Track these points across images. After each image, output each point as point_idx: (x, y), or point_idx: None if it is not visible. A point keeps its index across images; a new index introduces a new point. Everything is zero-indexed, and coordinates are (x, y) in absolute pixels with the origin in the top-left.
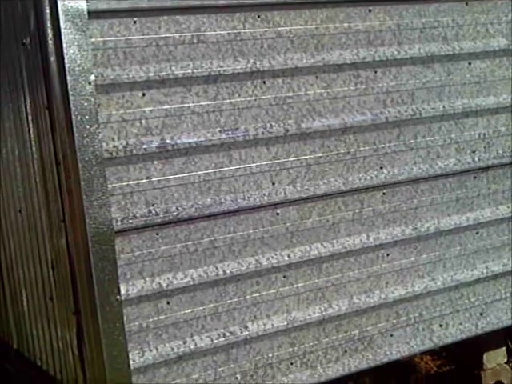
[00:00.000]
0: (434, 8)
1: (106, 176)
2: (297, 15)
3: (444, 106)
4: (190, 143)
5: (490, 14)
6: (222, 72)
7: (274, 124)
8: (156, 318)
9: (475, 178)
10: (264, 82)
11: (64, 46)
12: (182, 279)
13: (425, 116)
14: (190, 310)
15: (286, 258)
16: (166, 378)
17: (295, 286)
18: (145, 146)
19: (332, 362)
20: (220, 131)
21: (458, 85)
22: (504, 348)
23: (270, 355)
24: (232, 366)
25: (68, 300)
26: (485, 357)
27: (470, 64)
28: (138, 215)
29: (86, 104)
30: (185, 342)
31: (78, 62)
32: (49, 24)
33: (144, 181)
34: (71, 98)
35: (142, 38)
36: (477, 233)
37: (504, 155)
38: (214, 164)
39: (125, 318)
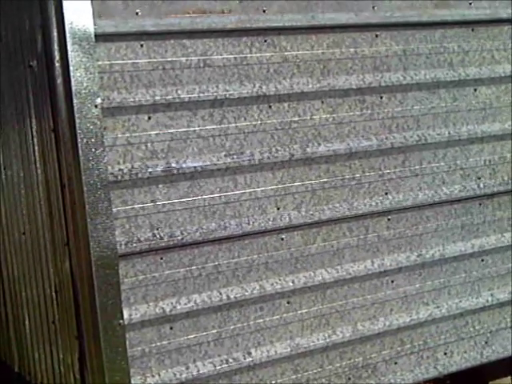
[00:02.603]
0: (440, 34)
1: (110, 199)
2: (303, 40)
3: (449, 132)
4: (195, 167)
5: (496, 40)
6: (227, 96)
7: (279, 148)
8: (159, 344)
9: (480, 204)
10: (270, 107)
11: (71, 68)
12: (185, 304)
13: (430, 142)
14: (193, 336)
15: (291, 284)
16: None
17: (299, 312)
18: (150, 170)
19: None
20: (225, 155)
21: (463, 111)
22: (509, 377)
23: (274, 382)
24: None
25: (71, 324)
26: None
27: (475, 90)
28: (142, 239)
29: (91, 127)
30: (187, 368)
31: (85, 84)
32: (56, 47)
33: (149, 204)
34: (77, 120)
35: (149, 61)
36: (482, 260)
37: (509, 182)
38: (219, 188)
39: (127, 342)
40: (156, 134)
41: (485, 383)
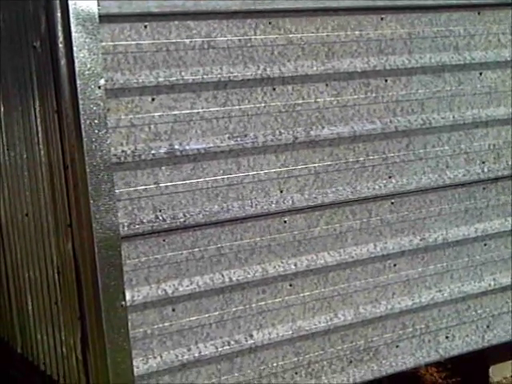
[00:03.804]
0: (445, 17)
1: (113, 181)
2: (308, 22)
3: (454, 116)
4: (198, 149)
5: (502, 23)
6: (231, 78)
7: (282, 131)
8: (161, 325)
9: (484, 188)
10: (274, 89)
11: (74, 49)
12: (187, 286)
13: (435, 126)
14: (194, 318)
15: (293, 267)
16: None
17: (301, 294)
18: (153, 152)
19: (337, 373)
20: (229, 137)
21: (468, 95)
22: (510, 361)
23: (275, 364)
24: (236, 374)
25: (73, 305)
26: (491, 370)
27: (480, 74)
28: (144, 221)
29: (95, 108)
30: (189, 350)
31: (88, 65)
32: (59, 27)
33: (152, 186)
34: (80, 101)
35: (153, 42)
36: (485, 244)
37: None
38: (222, 170)
39: (129, 324)
40: (159, 115)
41: (486, 367)
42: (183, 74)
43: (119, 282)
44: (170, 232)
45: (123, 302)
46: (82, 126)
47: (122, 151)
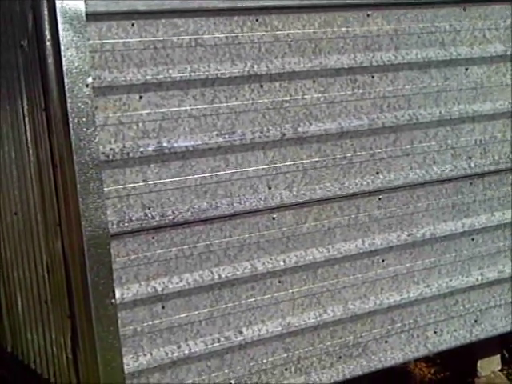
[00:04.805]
0: (431, 13)
1: (102, 179)
2: (295, 19)
3: (441, 112)
4: (186, 146)
5: (488, 19)
6: (219, 75)
7: (270, 128)
8: (151, 323)
9: (471, 184)
10: (261, 86)
11: (62, 48)
12: (177, 283)
13: (421, 121)
14: (184, 315)
15: (282, 263)
16: (160, 383)
17: (290, 291)
18: (141, 149)
19: (326, 368)
20: (217, 135)
21: (454, 90)
22: (498, 355)
23: (265, 361)
24: (226, 371)
25: (63, 303)
26: (479, 364)
27: (466, 70)
28: (133, 218)
29: (83, 106)
30: (179, 347)
31: (76, 64)
32: (47, 26)
33: (140, 184)
34: (68, 100)
35: (140, 40)
36: (472, 239)
37: (500, 161)
38: (210, 168)
39: (119, 322)
40: (147, 113)
41: (474, 361)
42: (171, 71)
43: (109, 279)
44: (159, 229)
45: (113, 300)
46: (70, 125)
47: (111, 149)
